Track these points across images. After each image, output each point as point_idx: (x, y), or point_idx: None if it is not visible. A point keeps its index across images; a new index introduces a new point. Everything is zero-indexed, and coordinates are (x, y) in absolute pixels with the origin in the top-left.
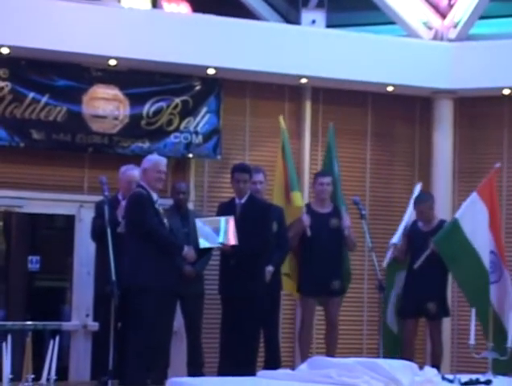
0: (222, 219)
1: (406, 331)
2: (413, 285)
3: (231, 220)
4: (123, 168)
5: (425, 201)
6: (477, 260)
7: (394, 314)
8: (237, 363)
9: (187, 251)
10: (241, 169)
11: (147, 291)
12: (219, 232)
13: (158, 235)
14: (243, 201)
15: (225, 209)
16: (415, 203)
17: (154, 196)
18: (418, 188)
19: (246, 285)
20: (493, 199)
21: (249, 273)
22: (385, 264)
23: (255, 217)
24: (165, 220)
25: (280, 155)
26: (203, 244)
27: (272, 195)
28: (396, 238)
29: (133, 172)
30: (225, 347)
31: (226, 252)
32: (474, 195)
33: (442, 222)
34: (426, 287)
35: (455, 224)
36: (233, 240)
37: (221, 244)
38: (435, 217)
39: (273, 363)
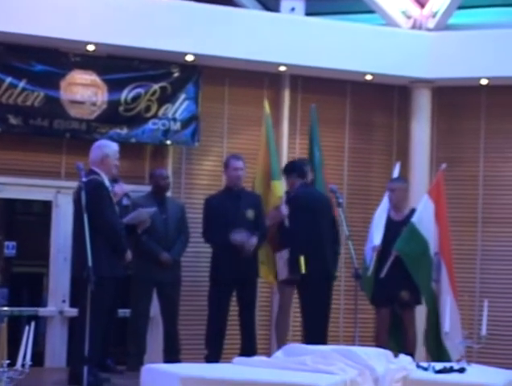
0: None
1: (380, 320)
2: (385, 273)
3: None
4: None
5: (402, 182)
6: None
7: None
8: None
9: (129, 256)
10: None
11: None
12: None
13: (115, 233)
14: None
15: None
16: (392, 182)
17: (107, 182)
18: (397, 167)
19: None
20: (441, 199)
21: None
22: (369, 273)
23: None
24: (116, 207)
25: (264, 141)
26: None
27: (253, 181)
28: (376, 239)
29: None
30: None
31: None
32: (425, 197)
33: (413, 211)
34: (398, 275)
35: (412, 228)
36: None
37: None
38: (406, 206)
39: (249, 350)
